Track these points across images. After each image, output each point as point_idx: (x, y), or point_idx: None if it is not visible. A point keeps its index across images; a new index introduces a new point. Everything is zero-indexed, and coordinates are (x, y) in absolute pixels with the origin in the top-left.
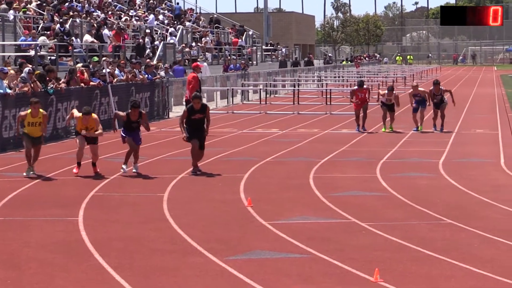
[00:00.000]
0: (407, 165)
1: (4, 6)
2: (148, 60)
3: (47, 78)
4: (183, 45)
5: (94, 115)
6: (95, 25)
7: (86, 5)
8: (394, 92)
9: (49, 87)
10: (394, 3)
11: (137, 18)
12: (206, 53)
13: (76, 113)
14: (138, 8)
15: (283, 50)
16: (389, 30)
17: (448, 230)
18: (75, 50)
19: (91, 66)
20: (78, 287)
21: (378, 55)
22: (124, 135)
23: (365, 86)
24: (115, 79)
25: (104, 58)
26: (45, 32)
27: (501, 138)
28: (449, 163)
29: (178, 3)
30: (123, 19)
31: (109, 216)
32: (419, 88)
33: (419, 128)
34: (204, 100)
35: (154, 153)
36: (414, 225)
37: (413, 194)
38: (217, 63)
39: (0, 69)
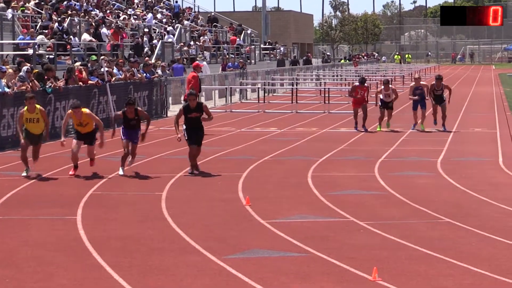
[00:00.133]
0: (405, 164)
1: (2, 5)
2: (146, 58)
3: (45, 77)
4: (182, 43)
5: (86, 110)
6: (93, 24)
7: (85, 4)
8: (390, 86)
9: (47, 86)
10: (392, 1)
11: (135, 17)
12: (205, 52)
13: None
14: (136, 7)
15: (281, 49)
16: (387, 29)
17: (446, 228)
18: (73, 49)
19: (89, 65)
20: (76, 285)
21: (376, 54)
22: (122, 137)
23: (365, 84)
24: (114, 78)
25: (102, 57)
26: (44, 31)
27: (499, 137)
28: (448, 162)
29: (176, 1)
30: (121, 18)
31: (108, 215)
32: (421, 82)
33: (421, 127)
34: (203, 99)
35: (152, 151)
36: (412, 224)
37: (411, 193)
38: (216, 62)
39: None
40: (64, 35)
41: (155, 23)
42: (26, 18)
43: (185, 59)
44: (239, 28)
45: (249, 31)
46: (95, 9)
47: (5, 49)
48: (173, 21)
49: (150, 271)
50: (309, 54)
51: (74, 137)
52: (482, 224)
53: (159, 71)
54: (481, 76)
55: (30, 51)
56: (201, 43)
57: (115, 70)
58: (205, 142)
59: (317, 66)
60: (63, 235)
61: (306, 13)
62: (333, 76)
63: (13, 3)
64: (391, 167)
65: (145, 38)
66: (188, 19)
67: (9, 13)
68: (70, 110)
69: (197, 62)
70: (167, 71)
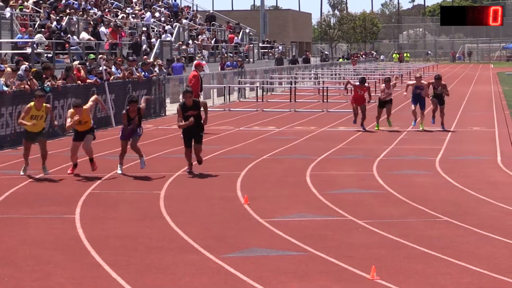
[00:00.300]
0: (403, 162)
1: (0, 3)
2: (145, 57)
3: (44, 76)
4: (180, 42)
5: (86, 106)
6: (91, 22)
7: (83, 3)
8: (391, 83)
9: (45, 85)
10: (390, 0)
11: (133, 15)
12: (203, 50)
13: (69, 113)
14: (134, 5)
15: (280, 47)
16: (386, 27)
17: (445, 227)
18: (71, 48)
19: (87, 63)
20: (74, 284)
21: (374, 53)
22: (121, 135)
23: (366, 84)
24: (112, 77)
25: (100, 56)
26: (42, 29)
27: (498, 135)
28: (446, 160)
29: (175, 0)
30: (119, 17)
31: (106, 214)
32: (422, 81)
33: (421, 126)
34: (201, 98)
35: (150, 150)
36: (410, 223)
37: (409, 192)
38: (214, 61)
39: None
40: (62, 34)
41: (154, 21)
42: (24, 16)
43: (183, 58)
44: (236, 26)
45: (247, 30)
46: (94, 8)
47: (4, 48)
48: (172, 19)
49: (149, 269)
50: (307, 53)
51: (73, 138)
52: (481, 223)
53: (157, 70)
54: (479, 75)
55: (29, 50)
56: (199, 42)
57: (113, 69)
58: (203, 140)
59: (315, 65)
60: (61, 233)
61: (305, 11)
62: (331, 75)
63: (11, 2)
64: (389, 165)
65: (143, 37)
66: (186, 18)
67: (7, 11)
68: (72, 110)
69: (198, 61)
70: (164, 70)
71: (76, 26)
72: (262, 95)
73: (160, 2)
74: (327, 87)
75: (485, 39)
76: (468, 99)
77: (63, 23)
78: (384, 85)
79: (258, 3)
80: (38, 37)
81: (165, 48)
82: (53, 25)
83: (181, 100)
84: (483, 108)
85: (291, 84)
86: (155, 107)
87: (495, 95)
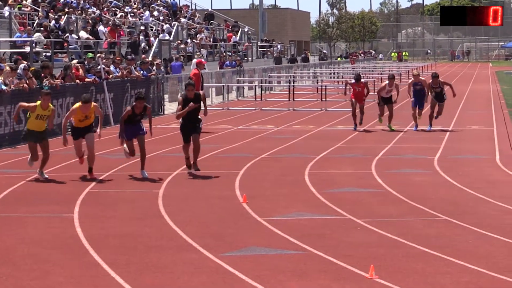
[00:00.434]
0: (402, 161)
1: None
2: (143, 56)
3: (42, 75)
4: (179, 41)
5: (93, 103)
6: (90, 21)
7: (81, 2)
8: (394, 81)
9: (44, 84)
10: None
11: (132, 14)
12: (202, 49)
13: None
14: (133, 4)
15: (278, 46)
16: (384, 26)
17: (443, 226)
18: (70, 47)
19: (86, 62)
20: (73, 283)
21: (373, 52)
22: (124, 136)
23: (362, 80)
24: (111, 76)
25: (99, 55)
26: (40, 28)
27: (496, 134)
28: (444, 159)
29: None
30: (118, 16)
31: (105, 213)
32: (420, 77)
33: (418, 117)
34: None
35: (149, 149)
36: (409, 222)
37: (408, 191)
38: (212, 60)
39: None
40: (61, 33)
41: (152, 20)
42: (23, 15)
43: (182, 57)
44: (235, 24)
45: (246, 29)
46: (92, 7)
47: (2, 47)
48: (170, 18)
49: (147, 268)
50: (306, 52)
51: (73, 138)
52: (479, 222)
53: (155, 69)
54: (478, 74)
55: (27, 49)
56: (198, 41)
57: (112, 68)
58: (202, 140)
59: (314, 63)
60: (60, 232)
61: (303, 10)
62: (330, 74)
63: (10, 1)
64: (388, 164)
65: (141, 37)
66: (185, 17)
67: (6, 10)
68: (78, 105)
69: (200, 59)
70: (162, 69)
71: (75, 25)
72: (261, 94)
73: (158, 1)
74: (325, 86)
75: (484, 38)
76: (466, 98)
77: (62, 22)
78: (387, 82)
79: (256, 2)
80: (37, 36)
81: (163, 47)
82: (51, 24)
83: (179, 97)
84: (481, 107)
85: (289, 83)
86: (154, 105)
87: (493, 94)
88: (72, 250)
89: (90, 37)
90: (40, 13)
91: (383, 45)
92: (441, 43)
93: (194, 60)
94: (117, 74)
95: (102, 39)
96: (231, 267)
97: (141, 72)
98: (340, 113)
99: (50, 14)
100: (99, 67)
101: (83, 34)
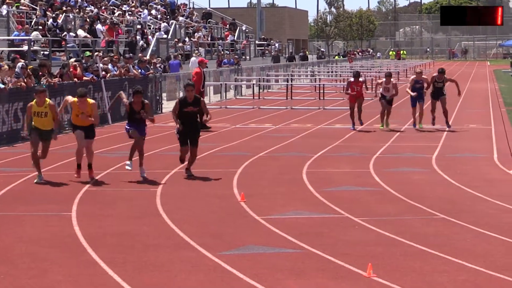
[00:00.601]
0: (400, 160)
1: None
2: (140, 55)
3: (40, 73)
4: (176, 40)
5: (91, 100)
6: (88, 20)
7: (79, 0)
8: (392, 80)
9: (42, 82)
10: None
11: (130, 13)
12: (199, 48)
13: (70, 99)
14: (131, 2)
15: (276, 45)
16: (382, 25)
17: (441, 225)
18: (68, 45)
19: (83, 61)
20: (71, 281)
21: (371, 50)
22: (128, 127)
23: (361, 79)
24: (108, 74)
25: (96, 53)
26: (38, 27)
27: (494, 133)
28: (442, 158)
29: None
30: (116, 14)
31: (103, 211)
32: (423, 76)
33: (419, 126)
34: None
35: (147, 148)
36: (407, 220)
37: (406, 189)
38: (210, 58)
39: None
40: (58, 31)
41: (150, 19)
42: (21, 14)
43: (179, 55)
44: (233, 22)
45: (243, 27)
46: (90, 5)
47: (0, 45)
48: (168, 17)
49: (145, 267)
50: (305, 50)
51: (74, 131)
52: (477, 220)
53: (152, 68)
54: (476, 72)
55: (25, 48)
56: (195, 39)
57: (110, 66)
58: (200, 138)
59: (312, 62)
60: (58, 231)
61: (301, 9)
62: (328, 72)
63: None
64: (386, 163)
65: (138, 36)
66: (183, 15)
67: (3, 9)
68: (75, 99)
69: (202, 58)
70: (158, 67)
71: (73, 23)
72: (259, 92)
73: (156, 0)
74: (323, 85)
75: (482, 37)
76: (464, 96)
77: (60, 21)
78: (384, 79)
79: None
80: (35, 34)
81: (161, 46)
82: (49, 23)
83: (178, 96)
84: (479, 105)
85: (287, 82)
86: (152, 104)
87: (491, 92)
88: (70, 248)
89: (88, 35)
90: (38, 12)
91: (381, 44)
92: (439, 41)
93: (193, 59)
94: (115, 72)
95: (100, 37)
96: (229, 265)
97: (139, 70)
98: (338, 111)
99: (48, 13)
100: (96, 65)
101: (81, 32)
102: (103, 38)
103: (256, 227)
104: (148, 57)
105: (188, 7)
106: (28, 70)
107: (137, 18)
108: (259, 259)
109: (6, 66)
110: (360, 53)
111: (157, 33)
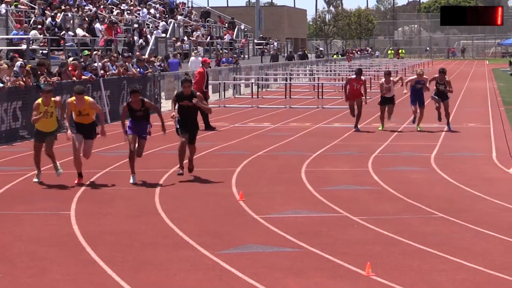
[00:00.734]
0: (399, 159)
1: None
2: (137, 53)
3: (39, 72)
4: (175, 39)
5: (90, 98)
6: (86, 19)
7: None
8: (392, 78)
9: (41, 82)
10: None
11: (128, 12)
12: (198, 47)
13: (69, 100)
14: (130, 1)
15: (275, 44)
16: (381, 24)
17: (440, 224)
18: (67, 44)
19: (82, 60)
20: (70, 280)
21: (370, 49)
22: (128, 129)
23: (362, 77)
24: (107, 73)
25: (95, 52)
26: (37, 26)
27: (493, 132)
28: (441, 157)
29: None
30: (115, 13)
31: (101, 210)
32: (424, 76)
33: (418, 128)
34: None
35: (146, 147)
36: (405, 219)
37: (404, 188)
38: (209, 57)
39: None
40: (57, 30)
41: (148, 18)
42: (19, 13)
43: (178, 54)
44: (231, 21)
45: (242, 26)
46: (89, 4)
47: None
48: (167, 16)
49: (143, 266)
50: (304, 49)
51: (74, 133)
52: (476, 219)
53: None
54: (474, 71)
55: (24, 46)
56: (194, 38)
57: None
58: (198, 137)
59: (310, 61)
60: (56, 230)
61: (300, 8)
62: (326, 71)
63: None
64: (384, 162)
65: (135, 37)
66: (181, 14)
67: (2, 8)
68: (72, 98)
69: (205, 58)
70: (156, 66)
71: (71, 22)
72: (257, 91)
73: None
74: (322, 84)
75: (480, 36)
76: (463, 95)
77: (58, 20)
78: (384, 79)
79: None
80: (33, 33)
81: (160, 45)
82: (47, 21)
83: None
84: (478, 104)
85: (286, 81)
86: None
87: (490, 91)
88: (68, 247)
89: (87, 34)
90: (36, 11)
91: (380, 43)
92: (437, 40)
93: (192, 58)
94: (114, 71)
95: (98, 36)
96: (228, 264)
97: (138, 69)
98: (336, 110)
99: (46, 12)
100: (95, 64)
101: (79, 31)
102: (102, 37)
103: (255, 226)
104: (146, 56)
105: (186, 6)
106: (27, 69)
107: (136, 17)
108: (258, 258)
109: (4, 65)
110: (358, 52)
111: (155, 32)
